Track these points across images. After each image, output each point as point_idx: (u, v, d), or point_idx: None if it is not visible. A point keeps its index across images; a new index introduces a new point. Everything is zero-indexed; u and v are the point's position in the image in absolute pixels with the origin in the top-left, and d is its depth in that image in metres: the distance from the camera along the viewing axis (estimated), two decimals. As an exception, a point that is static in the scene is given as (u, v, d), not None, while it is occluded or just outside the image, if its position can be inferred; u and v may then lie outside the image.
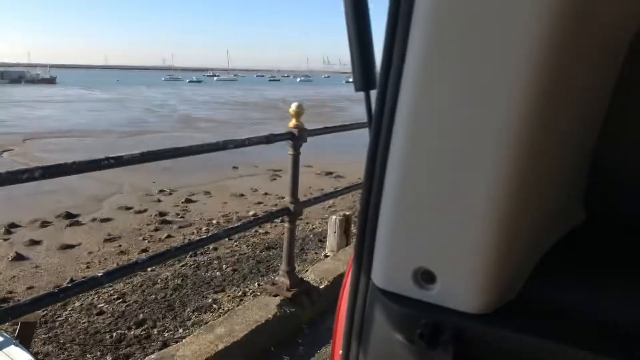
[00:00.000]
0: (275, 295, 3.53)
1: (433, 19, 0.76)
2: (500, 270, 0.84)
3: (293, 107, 3.29)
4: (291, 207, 3.43)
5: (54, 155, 20.57)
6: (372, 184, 0.86)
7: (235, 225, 4.12)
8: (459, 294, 0.84)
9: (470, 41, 0.75)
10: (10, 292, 7.75)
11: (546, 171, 0.92)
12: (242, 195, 13.92)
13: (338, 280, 4.06)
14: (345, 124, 4.59)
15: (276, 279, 3.79)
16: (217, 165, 19.24)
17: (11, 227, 10.66)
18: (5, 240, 10.05)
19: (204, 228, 10.91)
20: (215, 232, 3.86)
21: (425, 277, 0.86)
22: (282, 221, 9.27)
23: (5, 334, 3.55)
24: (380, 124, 0.82)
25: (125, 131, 28.65)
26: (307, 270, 4.11)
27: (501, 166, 0.78)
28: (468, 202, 0.81)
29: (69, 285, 2.59)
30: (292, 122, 3.25)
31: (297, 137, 3.20)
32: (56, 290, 2.51)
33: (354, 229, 8.71)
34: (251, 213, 12.02)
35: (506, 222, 0.81)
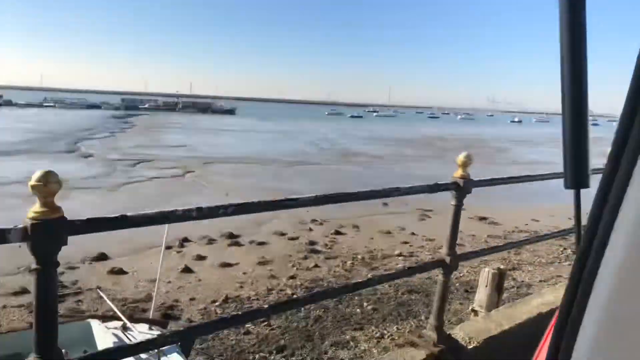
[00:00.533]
0: (421, 349, 3.36)
1: None
2: None
3: (461, 156, 3.16)
4: (447, 259, 3.25)
5: (227, 179, 22.97)
6: (581, 282, 0.74)
7: (391, 272, 4.09)
8: None
9: None
10: (176, 300, 8.70)
11: None
12: (388, 232, 13.85)
13: (488, 343, 3.74)
14: (512, 174, 4.28)
15: (423, 332, 3.62)
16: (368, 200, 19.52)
17: (184, 242, 12.05)
18: (178, 252, 11.38)
19: (349, 262, 11.06)
20: (369, 277, 3.83)
21: None
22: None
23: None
24: (597, 226, 0.71)
25: (289, 161, 30.76)
26: (455, 328, 3.87)
27: None
28: None
29: (239, 313, 2.81)
30: (459, 172, 3.11)
31: (461, 188, 3.05)
32: (228, 317, 2.74)
33: (507, 284, 8.00)
34: (396, 252, 11.87)
35: None
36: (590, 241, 0.73)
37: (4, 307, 8.30)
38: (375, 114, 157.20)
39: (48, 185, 1.75)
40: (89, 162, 26.33)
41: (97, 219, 1.95)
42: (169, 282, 9.41)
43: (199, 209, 2.23)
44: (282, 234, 13.24)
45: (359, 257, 11.43)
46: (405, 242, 12.82)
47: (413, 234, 13.70)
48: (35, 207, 1.75)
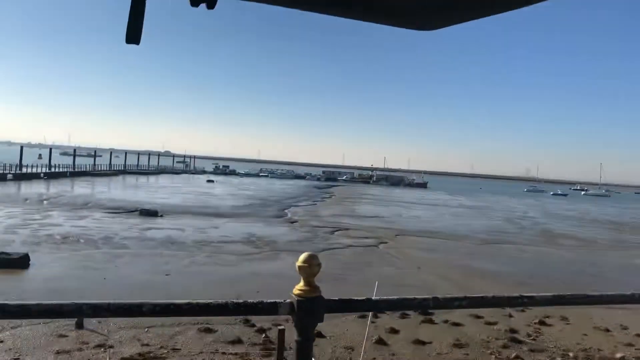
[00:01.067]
0: None
1: None
2: None
3: None
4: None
5: (418, 252, 22.89)
6: None
7: None
8: None
9: None
10: (371, 371, 8.77)
11: None
12: (607, 330, 11.95)
13: None
14: None
15: None
16: (579, 286, 17.26)
17: (378, 312, 12.21)
18: (372, 322, 11.55)
19: (558, 359, 9.82)
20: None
21: None
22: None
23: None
24: None
25: (483, 238, 29.32)
26: None
27: None
28: None
29: None
30: None
31: None
32: None
33: None
34: (618, 355, 10.14)
35: None
36: None
37: (224, 353, 9.42)
38: (583, 192, 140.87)
39: (311, 267, 1.98)
40: (294, 227, 28.98)
41: (348, 300, 2.13)
42: (364, 351, 9.57)
43: (435, 298, 2.26)
44: (478, 317, 12.46)
45: (570, 355, 10.07)
46: (630, 345, 10.89)
47: (638, 335, 11.58)
48: (299, 285, 1.96)
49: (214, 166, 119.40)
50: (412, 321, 11.91)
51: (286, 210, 38.21)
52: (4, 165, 53.76)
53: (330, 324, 11.24)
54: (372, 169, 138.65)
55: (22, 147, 62.36)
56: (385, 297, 2.22)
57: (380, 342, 10.23)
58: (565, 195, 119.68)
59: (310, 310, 1.94)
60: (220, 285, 14.40)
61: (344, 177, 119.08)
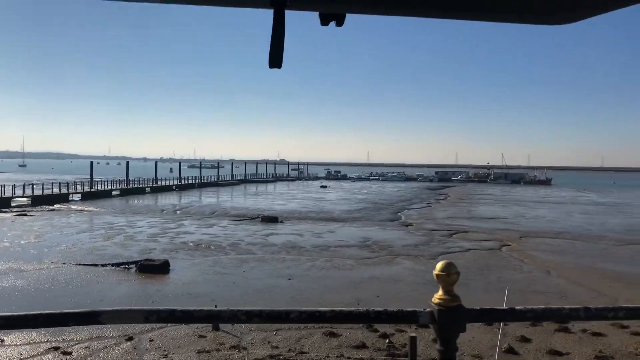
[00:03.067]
0: None
1: None
2: None
3: None
4: None
5: (546, 255, 21.31)
6: None
7: None
8: None
9: None
10: (502, 381, 8.36)
11: None
12: None
13: None
14: None
15: None
16: None
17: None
18: (498, 329, 11.01)
19: None
20: None
21: None
22: None
23: None
24: None
25: (621, 239, 26.47)
26: None
27: None
28: None
29: None
30: None
31: None
32: None
33: None
34: None
35: None
36: None
37: (349, 358, 9.59)
38: None
39: (450, 276, 1.96)
40: (409, 231, 28.59)
41: (490, 310, 2.07)
42: (494, 360, 9.16)
43: (587, 309, 2.10)
44: (623, 327, 11.29)
45: None
46: None
47: None
48: (439, 294, 1.95)
49: (326, 172, 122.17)
50: (545, 329, 11.13)
51: (399, 214, 37.83)
52: (143, 180, 60.15)
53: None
54: (488, 167, 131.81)
55: (156, 163, 69.15)
56: (530, 307, 2.12)
57: (511, 351, 9.71)
58: None
59: (451, 319, 1.94)
60: (341, 289, 14.69)
61: (458, 177, 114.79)
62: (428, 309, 1.93)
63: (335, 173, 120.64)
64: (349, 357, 9.59)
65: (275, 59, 1.07)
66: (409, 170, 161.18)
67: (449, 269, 1.96)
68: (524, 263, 19.39)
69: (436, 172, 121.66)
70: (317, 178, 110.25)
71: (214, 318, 1.91)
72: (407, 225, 30.89)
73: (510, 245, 23.67)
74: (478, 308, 2.05)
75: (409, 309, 1.96)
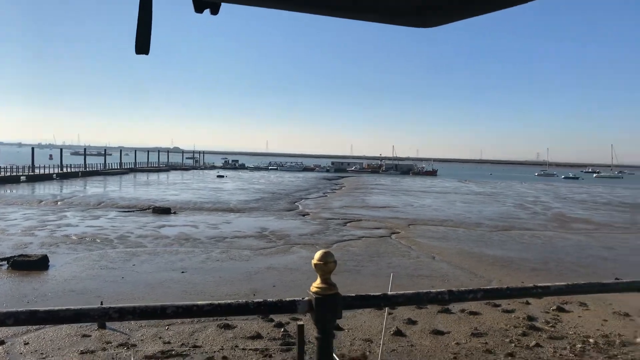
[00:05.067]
0: None
1: None
2: None
3: None
4: None
5: (431, 241, 22.85)
6: None
7: None
8: None
9: None
10: (391, 363, 8.83)
11: None
12: (626, 315, 11.90)
13: None
14: None
15: None
16: (596, 271, 17.17)
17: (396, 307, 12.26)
18: (389, 314, 11.60)
19: (579, 345, 9.80)
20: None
21: None
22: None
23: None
24: None
25: (495, 225, 29.21)
26: None
27: None
28: None
29: None
30: None
31: None
32: None
33: None
34: (639, 340, 10.11)
35: None
36: None
37: (244, 349, 9.52)
38: (595, 174, 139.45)
39: (327, 264, 2.02)
40: (305, 220, 29.05)
41: (365, 296, 2.17)
42: (383, 343, 9.63)
43: (450, 292, 2.30)
44: (496, 305, 12.48)
45: (591, 340, 10.06)
46: (650, 329, 10.84)
47: (660, 320, 11.52)
48: (317, 283, 2.01)
49: (223, 161, 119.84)
50: (429, 311, 11.94)
51: (297, 203, 38.29)
52: (17, 168, 54.34)
53: (347, 317, 11.31)
54: (380, 159, 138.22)
55: (33, 149, 62.75)
56: (401, 292, 2.25)
57: (399, 333, 10.28)
58: (576, 178, 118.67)
59: (328, 307, 1.99)
60: (236, 281, 14.50)
61: (352, 168, 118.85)
62: (307, 298, 1.96)
63: (233, 162, 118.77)
64: (243, 348, 9.51)
65: (142, 45, 1.05)
66: (307, 160, 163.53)
67: (326, 258, 2.01)
68: (411, 249, 20.61)
69: (332, 163, 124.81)
70: (213, 167, 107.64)
71: (83, 317, 1.77)
72: (304, 215, 31.35)
73: (399, 232, 25.02)
74: (354, 295, 2.15)
75: (288, 299, 1.99)
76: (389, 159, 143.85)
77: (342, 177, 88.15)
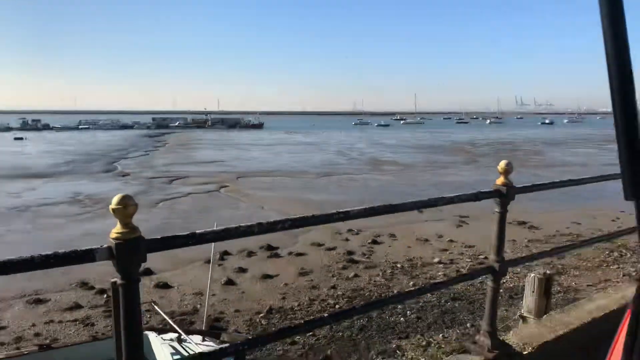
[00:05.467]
0: (476, 355, 3.39)
1: None
2: None
3: (502, 164, 3.23)
4: (496, 266, 3.30)
5: (260, 192, 23.27)
6: None
7: (440, 281, 4.15)
8: None
9: None
10: (222, 312, 8.89)
11: None
12: (426, 240, 13.78)
13: (544, 349, 3.72)
14: (553, 179, 4.30)
15: (477, 337, 3.64)
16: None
17: (225, 255, 12.29)
18: (219, 265, 11.61)
19: (389, 271, 11.06)
20: (419, 287, 3.89)
21: None
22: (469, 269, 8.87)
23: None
24: None
25: (319, 172, 30.95)
26: (508, 333, 3.87)
27: None
28: None
29: (302, 322, 2.91)
30: (500, 180, 3.17)
31: (505, 195, 3.12)
32: (292, 326, 2.86)
33: (552, 289, 7.86)
34: (436, 260, 11.81)
35: None
36: None
37: (60, 322, 8.64)
38: (402, 121, 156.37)
39: (127, 208, 1.85)
40: (126, 181, 27.08)
41: (170, 237, 2.06)
42: (214, 294, 9.61)
43: (259, 224, 2.34)
44: (320, 245, 13.34)
45: (399, 265, 11.43)
46: (444, 250, 12.74)
47: (451, 241, 13.60)
48: (117, 228, 1.85)
49: (21, 121, 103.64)
50: (259, 258, 12.26)
51: (115, 164, 35.40)
52: None
53: (175, 274, 11.01)
54: (206, 113, 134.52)
55: None
56: (210, 230, 2.20)
57: (230, 282, 10.36)
58: (387, 125, 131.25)
59: (131, 251, 1.84)
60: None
61: (176, 124, 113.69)
62: (106, 245, 1.81)
63: (33, 122, 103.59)
64: (60, 321, 8.63)
65: None
66: (125, 117, 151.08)
67: (125, 201, 1.87)
68: (240, 201, 20.75)
69: (153, 119, 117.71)
70: (8, 129, 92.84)
71: None
72: (124, 176, 29.16)
73: (228, 186, 24.93)
74: (160, 237, 2.02)
75: (83, 249, 1.81)
76: (215, 113, 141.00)
77: (166, 133, 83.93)
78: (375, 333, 7.69)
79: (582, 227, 14.79)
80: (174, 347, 5.22)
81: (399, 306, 8.56)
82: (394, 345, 7.24)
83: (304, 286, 10.21)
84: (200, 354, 2.68)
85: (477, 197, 3.12)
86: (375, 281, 10.41)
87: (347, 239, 13.98)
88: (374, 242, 13.60)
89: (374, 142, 63.69)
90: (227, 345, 2.68)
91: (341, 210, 2.57)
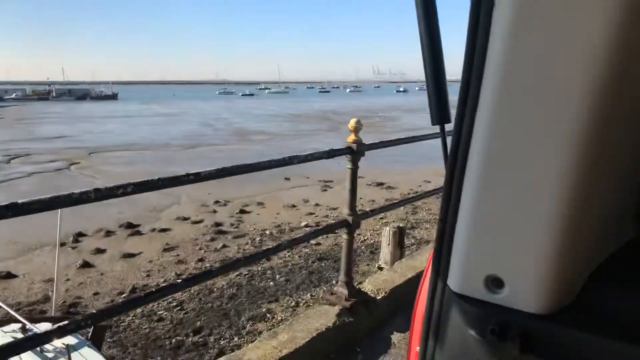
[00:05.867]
0: (334, 305, 3.57)
1: (506, 64, 0.86)
2: (562, 275, 0.95)
3: (352, 122, 3.36)
4: (350, 219, 3.47)
5: (117, 168, 21.65)
6: (450, 203, 0.97)
7: (298, 236, 4.22)
8: (524, 297, 0.97)
9: (535, 83, 0.85)
10: (79, 297, 8.20)
11: (607, 184, 1.01)
12: (294, 206, 14.10)
13: (395, 292, 4.04)
14: (400, 137, 4.63)
15: (334, 289, 3.83)
16: (270, 176, 19.58)
17: (79, 236, 11.30)
18: (73, 248, 10.66)
19: (258, 239, 11.13)
20: (279, 243, 3.97)
21: (495, 282, 0.99)
22: (335, 232, 9.28)
23: (79, 337, 3.77)
24: (457, 151, 0.93)
25: (183, 144, 29.72)
26: (364, 282, 4.14)
27: (564, 181, 0.88)
28: (534, 216, 0.92)
29: (153, 290, 2.74)
30: (351, 137, 3.31)
31: (355, 152, 3.28)
32: (142, 295, 2.67)
33: (407, 242, 8.61)
34: (303, 224, 12.16)
35: (567, 233, 0.92)
36: (453, 165, 0.97)
37: None
38: (267, 91, 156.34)
39: None
40: (-48, 162, 23.34)
41: None
42: (68, 279, 8.83)
43: (97, 190, 2.16)
44: (185, 219, 12.93)
45: (267, 232, 11.55)
46: (311, 214, 13.16)
47: (317, 205, 14.08)
48: None
49: None
50: (119, 237, 11.49)
51: (-64, 143, 30.24)
52: None
53: (20, 262, 9.90)
54: (49, 83, 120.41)
55: None
56: (37, 198, 1.98)
57: (86, 265, 9.57)
58: (252, 95, 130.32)
59: None
60: None
61: (12, 95, 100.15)
62: None
63: None
64: None
65: None
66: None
67: None
68: (95, 179, 19.13)
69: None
70: None
71: None
72: (-53, 156, 25.06)
73: (79, 163, 22.80)
74: None
75: None
76: (60, 83, 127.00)
77: (1, 107, 73.63)
78: (246, 300, 7.73)
79: (431, 184, 16.28)
80: (16, 338, 4.68)
81: (269, 271, 8.69)
82: (264, 310, 7.35)
83: (170, 261, 9.84)
84: (40, 334, 2.42)
85: (330, 154, 3.23)
86: (244, 250, 10.40)
87: (214, 211, 13.74)
88: (242, 211, 13.55)
89: (240, 111, 62.83)
90: (65, 323, 2.45)
91: (191, 172, 2.47)
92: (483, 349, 0.95)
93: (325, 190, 16.04)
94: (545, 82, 0.83)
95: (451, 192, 1.00)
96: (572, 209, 0.90)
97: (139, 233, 11.76)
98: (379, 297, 3.92)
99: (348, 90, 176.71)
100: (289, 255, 9.37)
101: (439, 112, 1.15)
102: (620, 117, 0.90)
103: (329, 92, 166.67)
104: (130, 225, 12.13)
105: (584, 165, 0.86)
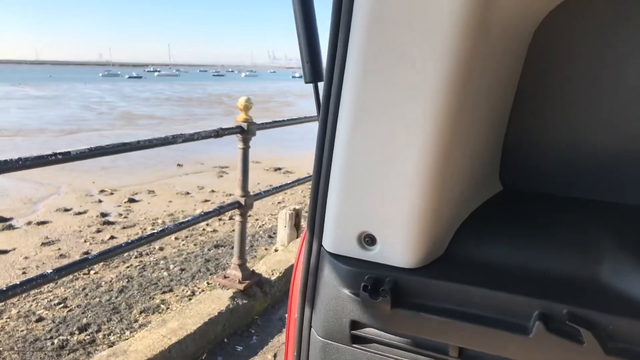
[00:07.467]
0: (228, 288, 3.51)
1: (369, 23, 0.89)
2: (430, 232, 1.01)
3: (241, 100, 3.28)
4: (242, 200, 3.42)
5: (-18, 156, 19.29)
6: (322, 165, 0.98)
7: (186, 219, 4.06)
8: (395, 252, 1.01)
9: (397, 42, 0.88)
10: (-62, 303, 7.25)
11: (464, 149, 1.09)
12: (187, 193, 13.64)
13: (290, 271, 4.09)
14: (293, 118, 4.64)
15: (227, 272, 3.76)
16: (160, 163, 18.73)
17: None
18: None
19: (149, 228, 10.61)
20: (163, 227, 3.79)
21: (368, 240, 1.03)
22: (232, 217, 9.17)
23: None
24: (328, 109, 0.95)
25: (61, 129, 27.31)
26: (258, 263, 4.12)
27: (428, 145, 0.93)
28: (401, 175, 0.97)
29: (17, 283, 2.46)
30: (241, 116, 3.24)
31: (246, 131, 3.22)
32: (4, 288, 2.39)
33: (303, 223, 8.75)
34: (198, 211, 11.82)
35: (433, 192, 0.98)
36: (325, 120, 1.01)
37: None
38: (157, 73, 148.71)
39: None
40: None
41: None
42: None
43: None
44: (67, 210, 11.95)
45: (159, 221, 11.06)
46: (206, 200, 12.83)
47: (213, 191, 13.76)
48: None
49: None
50: (-12, 233, 10.30)
51: None
52: None
53: None
54: None
55: None
56: None
57: (-54, 267, 8.46)
58: (140, 77, 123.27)
59: None
60: None
61: None
62: None
63: None
64: None
65: None
66: None
67: None
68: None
69: None
70: None
71: None
72: None
73: None
74: None
75: None
76: None
77: None
78: (137, 292, 7.36)
79: (326, 168, 16.68)
80: None
81: (162, 261, 8.35)
82: (158, 301, 7.07)
83: (50, 256, 9.04)
84: None
85: (218, 133, 3.14)
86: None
87: (100, 201, 12.85)
88: (131, 200, 12.83)
89: (126, 95, 59.04)
90: None
91: (60, 151, 2.26)
92: (357, 307, 0.98)
93: (222, 176, 15.72)
94: (410, 38, 0.87)
95: (322, 154, 1.02)
96: (436, 166, 0.95)
97: (11, 227, 10.64)
98: (273, 278, 3.93)
99: (243, 74, 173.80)
100: (183, 244, 9.08)
101: (312, 70, 1.19)
102: (473, 94, 0.97)
103: (223, 75, 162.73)
104: (0, 219, 10.93)
105: (447, 123, 0.91)
